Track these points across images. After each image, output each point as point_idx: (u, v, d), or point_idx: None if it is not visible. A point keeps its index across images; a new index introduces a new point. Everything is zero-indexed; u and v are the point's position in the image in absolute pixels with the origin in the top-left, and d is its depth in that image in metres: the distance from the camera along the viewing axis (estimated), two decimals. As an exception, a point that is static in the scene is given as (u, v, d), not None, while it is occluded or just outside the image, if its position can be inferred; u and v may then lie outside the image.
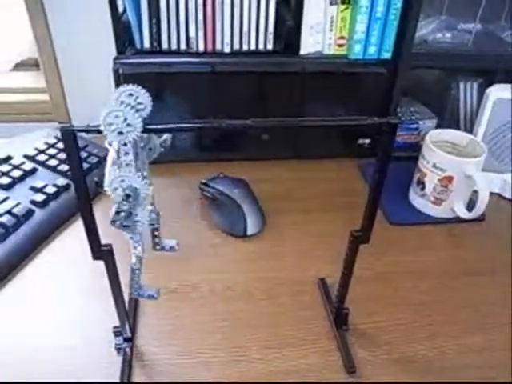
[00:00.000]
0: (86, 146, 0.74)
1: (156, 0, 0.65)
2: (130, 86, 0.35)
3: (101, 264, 0.41)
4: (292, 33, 0.70)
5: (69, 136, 0.33)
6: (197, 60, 0.69)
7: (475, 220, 0.67)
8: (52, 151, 0.72)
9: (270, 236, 0.64)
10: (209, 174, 0.70)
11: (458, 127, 0.82)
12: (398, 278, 0.59)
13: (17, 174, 0.66)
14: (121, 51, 0.68)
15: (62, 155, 0.71)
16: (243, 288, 0.56)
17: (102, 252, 0.40)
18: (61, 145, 0.72)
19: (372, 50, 0.72)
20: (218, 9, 0.66)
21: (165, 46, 0.68)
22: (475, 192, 0.65)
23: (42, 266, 0.58)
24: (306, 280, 0.58)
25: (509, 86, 0.68)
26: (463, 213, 0.66)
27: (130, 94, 0.35)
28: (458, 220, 0.67)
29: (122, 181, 0.36)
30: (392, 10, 0.68)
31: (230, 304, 0.54)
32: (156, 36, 0.67)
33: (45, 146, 0.72)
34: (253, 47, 0.70)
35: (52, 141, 0.74)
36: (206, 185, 0.68)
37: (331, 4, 0.69)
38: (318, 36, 0.72)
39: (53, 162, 0.70)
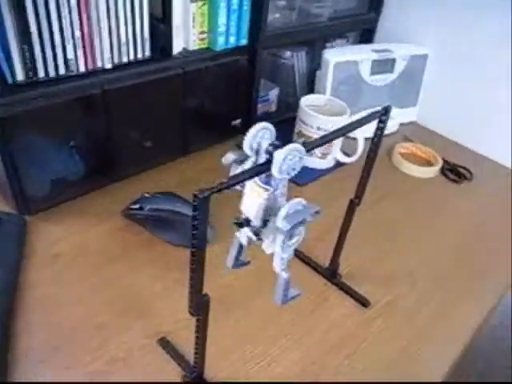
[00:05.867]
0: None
1: (24, 22, 0.54)
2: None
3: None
4: (165, 36, 0.70)
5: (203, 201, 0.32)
6: (82, 83, 0.62)
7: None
8: None
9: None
10: (117, 198, 0.69)
11: (295, 90, 0.97)
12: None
13: None
14: (-14, 92, 0.56)
15: None
16: (245, 286, 0.60)
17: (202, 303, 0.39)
18: None
19: (232, 39, 0.78)
20: (94, 23, 0.60)
21: (41, 74, 0.59)
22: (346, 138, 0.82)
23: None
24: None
25: (339, 49, 0.85)
26: (346, 159, 0.82)
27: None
28: (339, 165, 0.84)
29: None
30: (244, 1, 0.75)
31: (245, 301, 0.58)
32: (30, 65, 0.57)
33: None
34: (132, 57, 0.67)
35: None
36: (139, 209, 0.65)
37: (191, 1, 0.71)
38: (182, 34, 0.73)
39: None
